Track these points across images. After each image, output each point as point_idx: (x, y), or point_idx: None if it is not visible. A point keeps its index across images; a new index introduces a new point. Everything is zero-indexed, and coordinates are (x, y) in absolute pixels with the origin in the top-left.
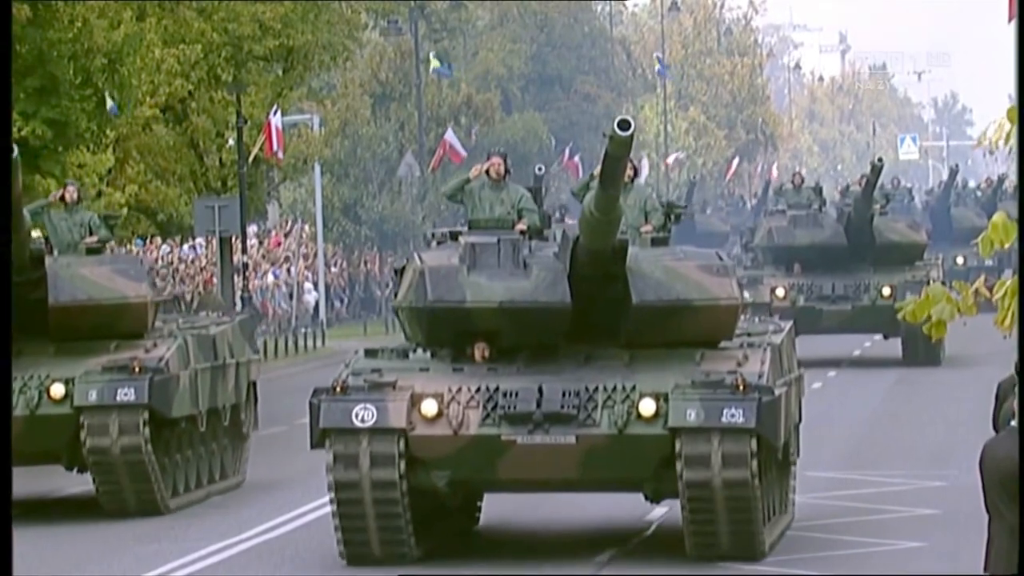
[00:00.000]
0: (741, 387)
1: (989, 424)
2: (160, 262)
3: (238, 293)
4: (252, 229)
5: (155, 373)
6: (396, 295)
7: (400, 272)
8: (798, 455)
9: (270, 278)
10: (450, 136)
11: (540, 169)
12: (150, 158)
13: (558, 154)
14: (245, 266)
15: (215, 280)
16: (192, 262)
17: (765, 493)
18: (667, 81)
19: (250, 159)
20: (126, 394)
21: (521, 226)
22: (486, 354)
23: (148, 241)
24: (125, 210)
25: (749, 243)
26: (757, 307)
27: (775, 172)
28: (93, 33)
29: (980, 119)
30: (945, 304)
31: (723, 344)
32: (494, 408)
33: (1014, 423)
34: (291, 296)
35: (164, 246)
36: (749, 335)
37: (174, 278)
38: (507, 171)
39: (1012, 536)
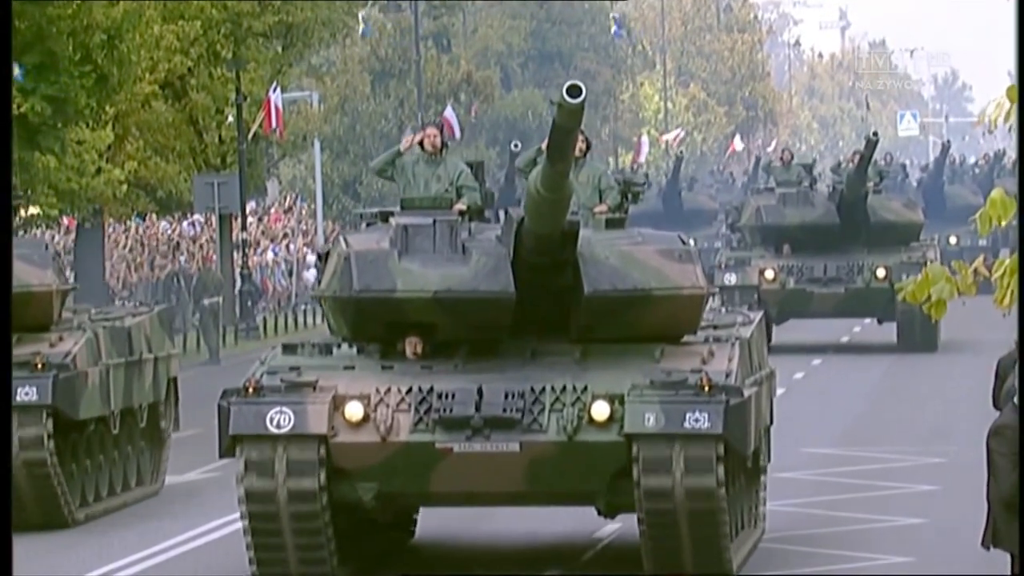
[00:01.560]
0: (706, 388)
1: (989, 402)
2: (160, 239)
3: (237, 270)
4: (251, 206)
5: (60, 370)
6: (320, 283)
7: (324, 257)
8: (769, 461)
9: (269, 255)
10: (449, 113)
11: (516, 145)
12: (149, 135)
13: None
14: (244, 243)
15: (214, 257)
16: (192, 239)
17: (733, 505)
18: (666, 58)
19: (249, 136)
20: (27, 393)
21: (460, 206)
22: (419, 350)
23: (147, 218)
24: (124, 187)
25: (736, 222)
26: (744, 290)
27: (773, 148)
28: (92, 9)
29: (980, 96)
30: (944, 284)
31: (686, 339)
32: (427, 411)
33: (1016, 400)
34: (290, 273)
35: (163, 223)
36: (715, 328)
37: (174, 255)
38: (444, 144)
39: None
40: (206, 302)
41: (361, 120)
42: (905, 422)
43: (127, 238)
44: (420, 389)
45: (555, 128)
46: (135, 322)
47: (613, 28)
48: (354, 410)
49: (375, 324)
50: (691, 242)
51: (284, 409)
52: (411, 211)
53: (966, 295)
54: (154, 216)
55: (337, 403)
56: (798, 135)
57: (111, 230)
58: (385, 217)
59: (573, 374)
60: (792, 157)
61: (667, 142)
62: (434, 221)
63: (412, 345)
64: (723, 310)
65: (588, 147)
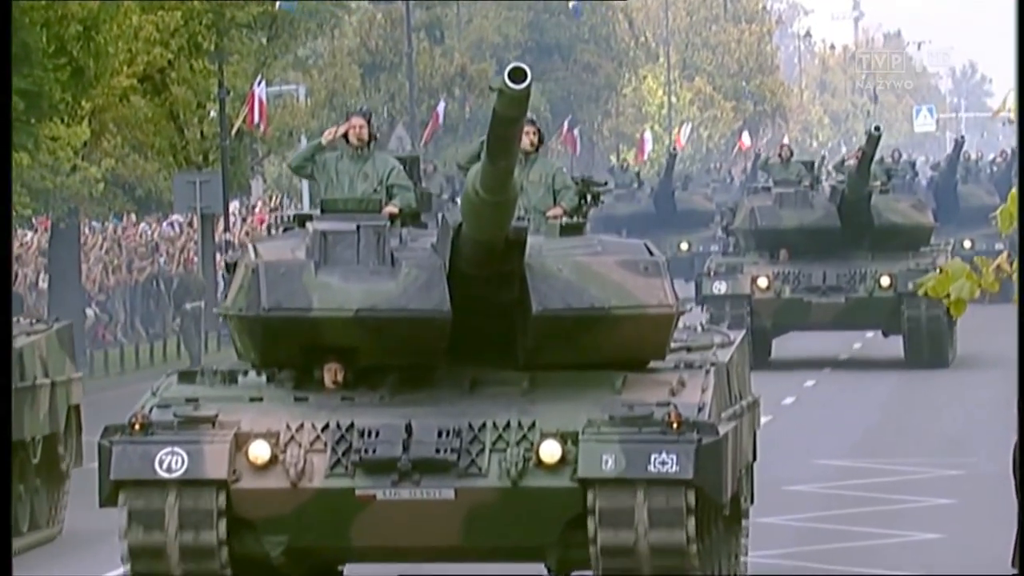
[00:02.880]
0: (674, 424)
1: (1012, 410)
2: (138, 240)
3: (220, 273)
4: (235, 205)
5: None
6: (226, 297)
7: (232, 268)
8: (751, 503)
9: None
10: (443, 108)
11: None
12: (127, 130)
13: (556, 127)
14: (228, 244)
15: (196, 259)
16: (172, 240)
17: (708, 558)
18: (670, 49)
19: (233, 132)
20: None
21: (391, 209)
22: (339, 379)
23: (125, 218)
24: (101, 185)
25: (730, 225)
26: (735, 300)
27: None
28: None
29: (1000, 89)
30: (965, 281)
31: (652, 365)
32: (347, 452)
33: None
34: None
35: (142, 224)
36: (688, 350)
37: (153, 257)
38: (372, 136)
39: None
40: (187, 306)
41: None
42: (921, 432)
43: (104, 239)
44: (338, 425)
45: (496, 118)
46: (28, 342)
47: (572, 3)
48: (259, 450)
49: (287, 348)
50: (685, 245)
51: (176, 449)
52: (333, 215)
53: (988, 291)
54: (132, 216)
55: (240, 442)
56: (809, 131)
57: (87, 231)
58: (303, 221)
59: (519, 408)
60: (791, 153)
61: (679, 142)
62: (358, 227)
63: (331, 373)
64: (699, 328)
65: (541, 140)
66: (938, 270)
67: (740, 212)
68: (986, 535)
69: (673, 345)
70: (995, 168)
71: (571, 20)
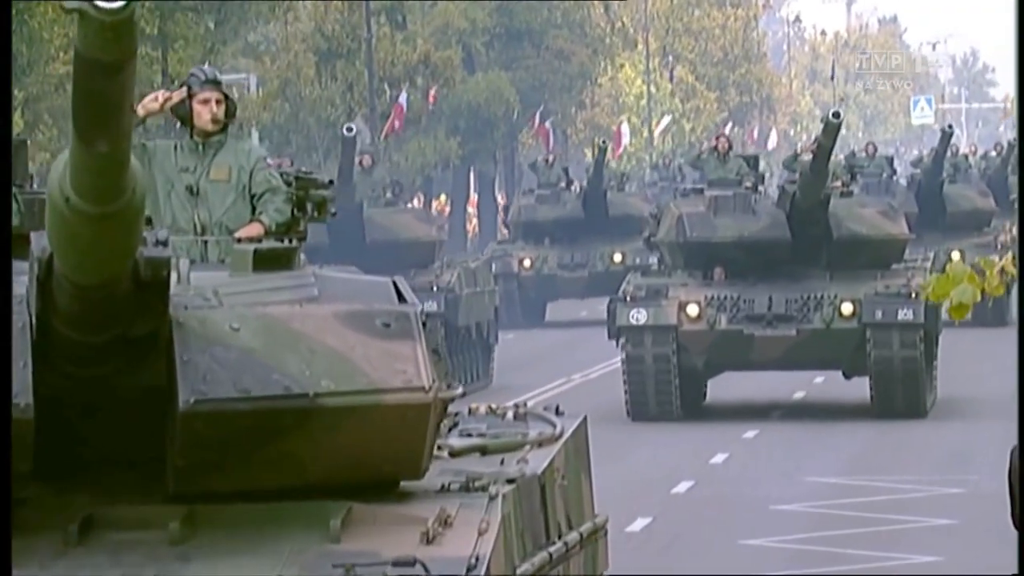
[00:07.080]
0: None
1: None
2: None
3: None
4: None
5: None
6: None
7: None
8: None
9: None
10: (404, 99)
11: (350, 130)
12: (64, 122)
13: (527, 119)
14: None
15: None
16: None
17: None
18: (649, 36)
19: (177, 125)
20: None
21: None
22: None
23: None
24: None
25: (653, 236)
26: (658, 332)
27: (773, 138)
28: None
29: (1004, 79)
30: (967, 285)
31: (405, 486)
32: None
33: None
34: None
35: None
36: (483, 453)
37: None
38: None
39: None
40: None
41: (305, 106)
42: (919, 447)
43: None
44: None
45: (79, 64)
46: None
47: None
48: None
49: None
50: (618, 256)
51: None
52: None
53: (992, 296)
54: None
55: None
56: (798, 123)
57: None
58: None
59: (161, 569)
60: (730, 146)
61: (655, 133)
62: None
63: None
64: (510, 414)
65: (230, 114)
66: (897, 317)
67: (665, 220)
68: (989, 557)
69: (459, 445)
70: (985, 164)
71: (542, 4)
